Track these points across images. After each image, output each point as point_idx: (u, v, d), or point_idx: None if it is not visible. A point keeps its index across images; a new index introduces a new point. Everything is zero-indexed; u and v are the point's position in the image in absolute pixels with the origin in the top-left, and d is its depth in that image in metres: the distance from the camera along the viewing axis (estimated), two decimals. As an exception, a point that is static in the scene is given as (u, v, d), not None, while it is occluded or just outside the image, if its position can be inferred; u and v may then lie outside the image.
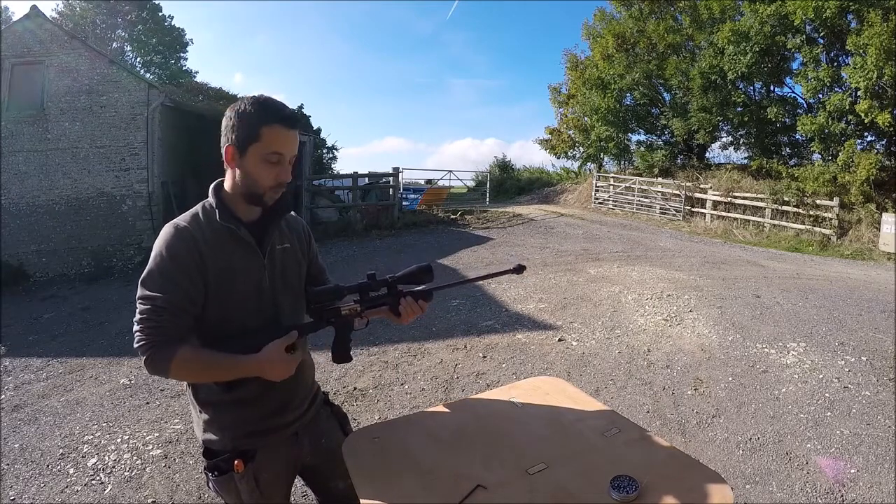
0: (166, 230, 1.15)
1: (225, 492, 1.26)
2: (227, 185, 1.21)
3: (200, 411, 1.25)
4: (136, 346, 1.09)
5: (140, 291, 1.11)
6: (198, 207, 1.21)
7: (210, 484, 1.27)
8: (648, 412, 3.24)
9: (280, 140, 1.14)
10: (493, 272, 1.37)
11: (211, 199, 1.20)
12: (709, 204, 13.13)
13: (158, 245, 1.13)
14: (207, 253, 1.14)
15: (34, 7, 10.09)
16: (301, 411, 1.34)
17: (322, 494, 1.45)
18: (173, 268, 1.11)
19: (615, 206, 15.37)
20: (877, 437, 2.87)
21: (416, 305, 1.27)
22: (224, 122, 1.16)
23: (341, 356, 1.28)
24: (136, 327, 1.09)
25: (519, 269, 1.29)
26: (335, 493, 1.41)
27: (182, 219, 1.17)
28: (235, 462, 1.20)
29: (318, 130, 19.92)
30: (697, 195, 13.63)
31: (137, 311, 1.10)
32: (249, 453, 1.23)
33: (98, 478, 2.71)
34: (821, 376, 3.66)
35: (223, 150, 1.16)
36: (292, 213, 1.34)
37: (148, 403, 3.60)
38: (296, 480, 1.42)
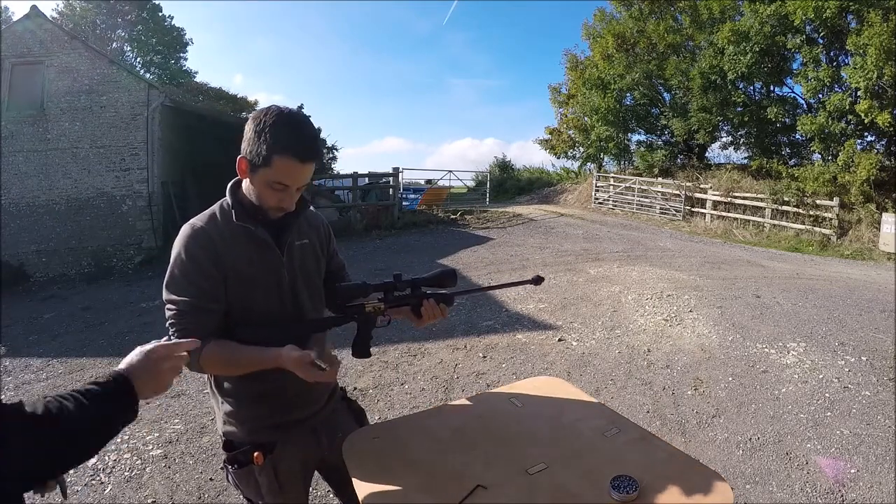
0: (184, 231, 1.16)
1: (244, 485, 1.27)
2: (244, 187, 1.22)
3: (222, 403, 1.26)
4: None
5: (165, 295, 1.14)
6: (215, 207, 1.21)
7: (230, 477, 1.28)
8: (648, 412, 3.24)
9: (290, 174, 1.12)
10: (511, 281, 1.42)
11: (228, 198, 1.20)
12: (709, 204, 13.13)
13: (177, 247, 1.14)
14: (225, 252, 1.15)
15: (34, 7, 10.10)
16: (319, 406, 1.35)
17: (343, 495, 1.45)
18: (192, 269, 1.12)
19: (615, 206, 15.37)
20: (877, 437, 2.87)
21: (437, 309, 1.29)
22: (245, 131, 1.13)
23: (361, 351, 1.29)
24: (169, 331, 1.13)
25: (537, 281, 1.34)
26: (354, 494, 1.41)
27: (199, 219, 1.18)
28: (255, 454, 1.21)
29: (318, 131, 19.97)
30: (697, 195, 13.63)
31: (166, 314, 1.14)
32: (268, 446, 1.24)
33: (98, 478, 2.71)
34: (821, 376, 3.66)
35: (238, 159, 1.15)
36: (312, 208, 1.34)
37: (148, 403, 3.60)
38: (323, 485, 1.39)
